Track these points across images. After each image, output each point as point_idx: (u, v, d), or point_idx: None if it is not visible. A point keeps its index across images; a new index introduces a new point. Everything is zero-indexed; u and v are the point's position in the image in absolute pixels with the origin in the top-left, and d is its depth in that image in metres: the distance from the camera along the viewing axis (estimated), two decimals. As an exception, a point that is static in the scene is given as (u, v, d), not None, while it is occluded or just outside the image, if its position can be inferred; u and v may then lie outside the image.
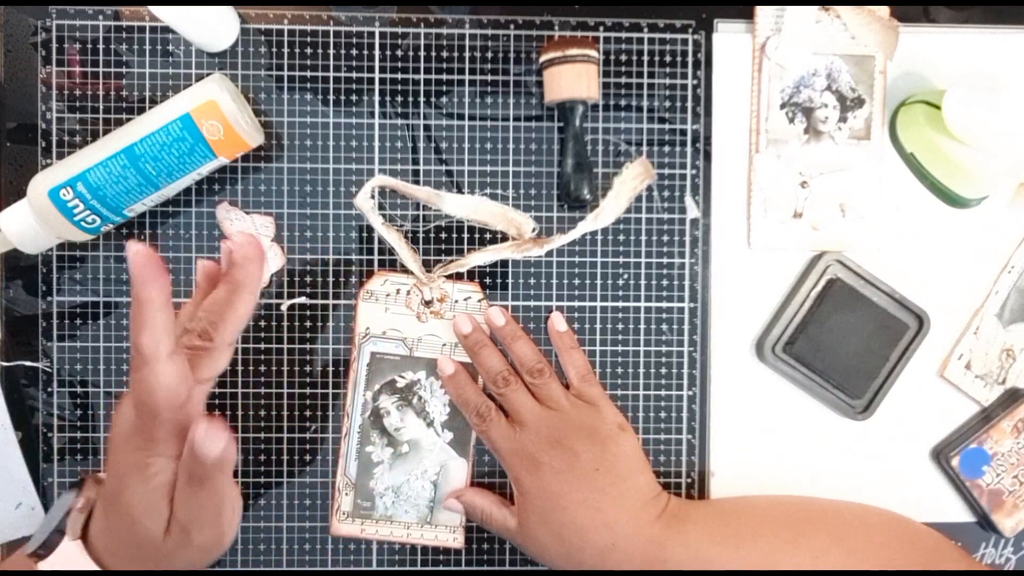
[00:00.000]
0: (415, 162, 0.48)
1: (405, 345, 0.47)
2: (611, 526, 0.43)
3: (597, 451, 0.44)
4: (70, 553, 0.39)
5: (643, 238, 0.49)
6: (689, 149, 0.49)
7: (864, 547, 0.43)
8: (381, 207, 0.47)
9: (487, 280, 0.48)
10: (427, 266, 0.48)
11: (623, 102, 0.48)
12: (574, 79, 0.46)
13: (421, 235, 0.48)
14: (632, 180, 0.48)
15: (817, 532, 0.44)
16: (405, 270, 0.47)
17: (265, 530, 0.48)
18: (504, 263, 0.48)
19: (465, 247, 0.48)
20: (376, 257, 0.48)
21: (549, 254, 0.48)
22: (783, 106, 0.48)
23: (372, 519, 0.47)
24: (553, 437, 0.44)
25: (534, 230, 0.48)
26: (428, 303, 0.47)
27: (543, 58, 0.46)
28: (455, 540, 0.48)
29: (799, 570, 0.42)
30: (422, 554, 0.48)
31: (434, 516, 0.47)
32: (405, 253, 0.47)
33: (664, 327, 0.49)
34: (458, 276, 0.48)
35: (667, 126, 0.49)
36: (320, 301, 0.47)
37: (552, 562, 0.44)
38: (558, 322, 0.48)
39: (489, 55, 0.48)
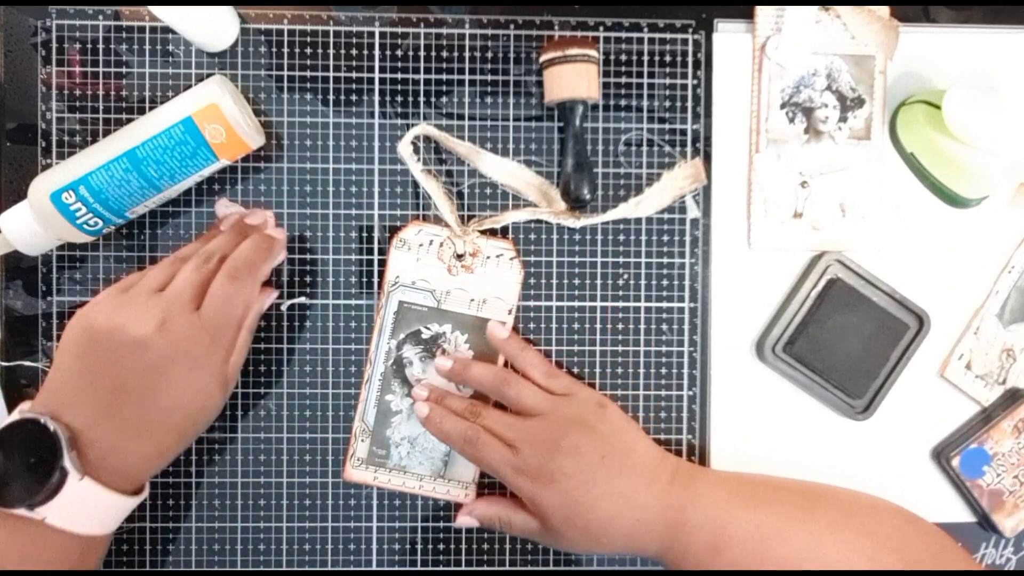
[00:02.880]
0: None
1: (433, 297, 0.47)
2: (632, 504, 0.43)
3: (595, 439, 0.43)
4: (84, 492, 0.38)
5: (643, 238, 0.49)
6: (689, 149, 0.49)
7: (876, 528, 0.42)
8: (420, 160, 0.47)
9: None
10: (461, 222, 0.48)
11: (623, 102, 0.48)
12: (574, 79, 0.46)
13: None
14: (681, 179, 0.48)
15: (831, 506, 0.43)
16: (439, 222, 0.47)
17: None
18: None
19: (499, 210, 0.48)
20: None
21: (549, 254, 0.48)
22: (783, 106, 0.48)
23: (386, 468, 0.47)
24: (551, 442, 0.43)
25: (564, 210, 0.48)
26: (460, 256, 0.47)
27: (543, 58, 0.46)
28: (467, 496, 0.48)
29: (800, 570, 0.42)
30: (423, 552, 0.48)
31: (447, 470, 0.47)
32: (442, 203, 0.47)
33: (664, 327, 0.49)
34: (492, 233, 0.48)
35: (667, 126, 0.49)
36: (320, 301, 0.48)
37: (578, 552, 0.46)
38: (498, 330, 0.47)
39: (489, 55, 0.48)
